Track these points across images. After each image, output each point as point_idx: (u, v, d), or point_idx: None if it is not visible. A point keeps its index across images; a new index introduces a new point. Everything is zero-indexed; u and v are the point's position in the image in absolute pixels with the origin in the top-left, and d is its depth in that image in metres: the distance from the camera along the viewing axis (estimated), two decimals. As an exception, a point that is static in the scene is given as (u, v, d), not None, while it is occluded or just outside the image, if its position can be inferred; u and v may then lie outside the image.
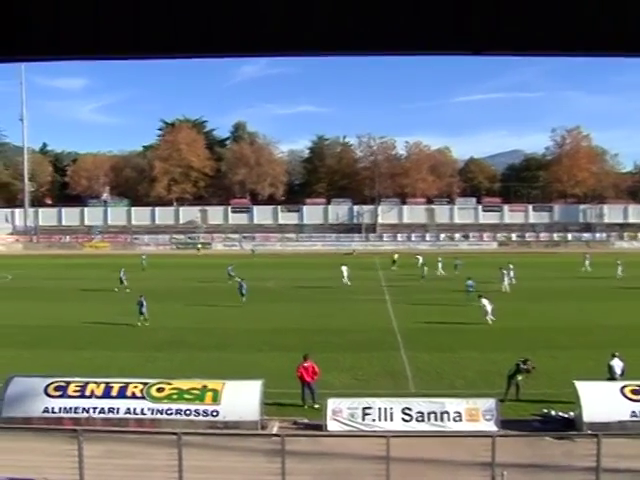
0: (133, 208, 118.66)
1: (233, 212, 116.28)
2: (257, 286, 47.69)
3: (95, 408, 18.00)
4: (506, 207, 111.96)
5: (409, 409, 18.44)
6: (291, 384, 21.74)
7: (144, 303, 36.11)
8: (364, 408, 18.44)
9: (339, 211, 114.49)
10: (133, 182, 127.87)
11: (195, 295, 46.25)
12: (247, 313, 38.39)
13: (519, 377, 21.24)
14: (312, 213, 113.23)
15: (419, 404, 18.62)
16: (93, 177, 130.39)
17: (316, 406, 20.39)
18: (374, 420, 18.43)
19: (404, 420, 18.34)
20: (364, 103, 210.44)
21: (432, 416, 18.43)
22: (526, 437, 17.69)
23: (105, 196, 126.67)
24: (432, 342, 30.61)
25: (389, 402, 18.63)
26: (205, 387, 18.52)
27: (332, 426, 18.46)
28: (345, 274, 53.23)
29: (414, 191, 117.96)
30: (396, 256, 66.99)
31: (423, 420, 18.37)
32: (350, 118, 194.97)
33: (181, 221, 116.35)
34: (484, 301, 35.67)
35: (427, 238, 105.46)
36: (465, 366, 26.14)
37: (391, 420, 18.41)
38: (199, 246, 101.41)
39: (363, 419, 18.43)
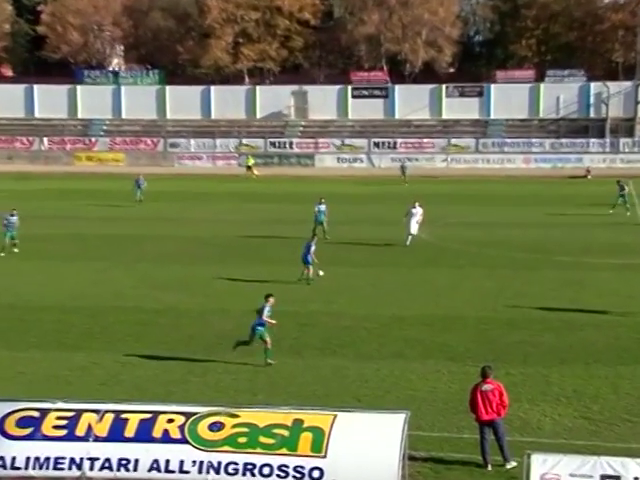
0: (168, 88, 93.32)
1: (355, 97, 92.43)
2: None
3: (95, 460, 13.98)
4: None
5: None
6: (461, 419, 18.24)
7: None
8: (606, 477, 13.27)
9: (560, 93, 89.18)
10: (168, 39, 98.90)
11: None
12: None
13: None
14: (505, 97, 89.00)
15: None
16: (90, 27, 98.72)
17: (509, 466, 16.17)
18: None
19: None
20: None
21: None
22: None
23: (116, 65, 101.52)
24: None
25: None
26: (299, 423, 14.05)
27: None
28: None
29: None
30: None
31: None
32: None
33: (258, 114, 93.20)
34: None
35: None
36: None
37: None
38: (250, 161, 79.41)
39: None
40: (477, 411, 16.30)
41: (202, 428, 13.95)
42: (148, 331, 25.79)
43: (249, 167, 78.27)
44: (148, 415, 14.28)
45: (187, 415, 14.22)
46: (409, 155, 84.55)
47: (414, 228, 39.74)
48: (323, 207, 42.18)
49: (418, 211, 39.91)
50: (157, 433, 13.94)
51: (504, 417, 16.40)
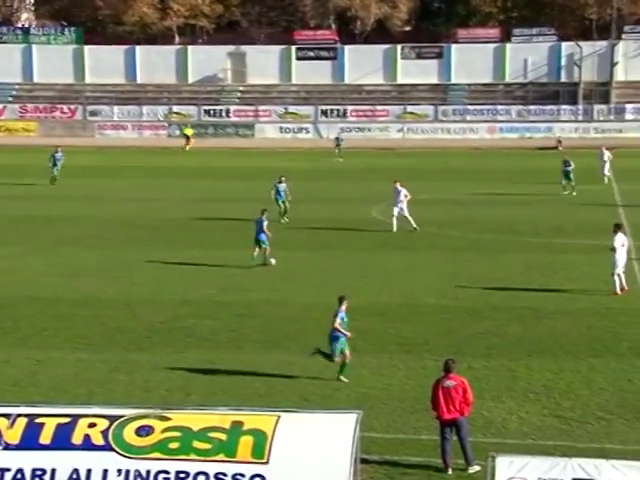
0: (87, 48, 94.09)
1: (300, 59, 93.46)
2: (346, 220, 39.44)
3: (5, 471, 14.15)
4: None
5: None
6: (419, 418, 18.83)
7: None
8: (577, 481, 13.91)
9: (528, 54, 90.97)
10: None
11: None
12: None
13: None
14: (467, 59, 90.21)
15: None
16: None
17: (471, 471, 16.77)
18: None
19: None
20: None
21: None
22: None
23: (25, 21, 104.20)
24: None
25: (630, 466, 13.87)
26: (238, 425, 14.34)
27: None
28: None
29: None
30: None
31: None
32: None
33: (190, 78, 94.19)
34: None
35: None
36: None
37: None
38: (188, 131, 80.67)
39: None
40: (438, 409, 16.73)
41: (128, 433, 14.17)
42: (67, 325, 25.89)
43: (187, 137, 78.54)
44: (67, 419, 14.43)
45: (111, 419, 14.42)
46: (361, 125, 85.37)
47: (403, 210, 40.34)
48: (283, 186, 42.39)
49: (401, 191, 40.42)
50: (77, 439, 14.14)
51: (467, 416, 16.80)
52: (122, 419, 14.53)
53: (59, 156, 56.71)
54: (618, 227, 29.42)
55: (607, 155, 55.04)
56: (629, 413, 18.90)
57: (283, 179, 42.86)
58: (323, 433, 14.77)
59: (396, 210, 40.19)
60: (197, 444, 14.11)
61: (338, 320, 21.32)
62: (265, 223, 32.78)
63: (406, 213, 40.13)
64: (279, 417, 14.64)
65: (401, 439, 17.98)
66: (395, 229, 39.57)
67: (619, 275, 28.74)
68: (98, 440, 14.18)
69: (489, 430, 18.24)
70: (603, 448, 17.10)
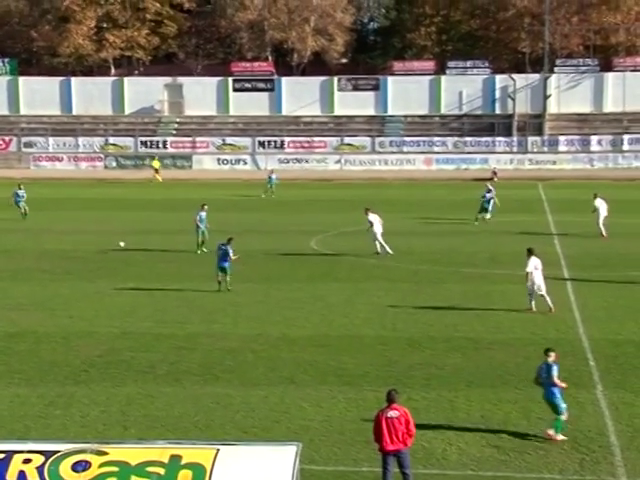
0: (22, 79, 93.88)
1: (237, 90, 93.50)
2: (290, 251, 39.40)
3: None
4: None
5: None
6: (359, 450, 18.64)
7: None
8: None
9: (463, 87, 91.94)
10: (19, 23, 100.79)
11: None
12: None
13: None
14: (403, 91, 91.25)
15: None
16: None
17: None
18: None
19: None
20: None
21: None
22: None
23: None
24: None
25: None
26: (177, 459, 13.98)
27: None
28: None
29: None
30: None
31: None
32: None
33: (127, 109, 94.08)
34: None
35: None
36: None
37: None
38: (156, 164, 79.79)
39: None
40: (382, 440, 16.51)
41: (65, 469, 13.87)
42: (2, 359, 25.41)
43: (156, 170, 77.97)
44: (1, 455, 14.03)
45: (47, 454, 14.13)
46: (298, 156, 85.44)
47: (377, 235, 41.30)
48: (204, 214, 42.23)
49: (375, 218, 41.34)
50: (11, 476, 13.77)
51: (410, 447, 16.69)
52: (58, 454, 14.19)
53: (22, 193, 54.45)
54: (531, 252, 30.21)
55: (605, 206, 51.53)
56: (566, 443, 18.87)
57: (205, 207, 42.67)
58: (263, 465, 14.55)
59: (378, 235, 41.12)
60: (135, 479, 13.78)
61: (556, 375, 19.00)
62: (231, 252, 32.96)
63: (379, 238, 41.06)
64: (218, 450, 14.41)
65: (342, 471, 17.79)
66: (391, 251, 40.46)
67: (543, 296, 29.65)
68: (34, 476, 13.80)
69: (429, 461, 18.13)
70: (542, 478, 17.14)
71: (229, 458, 14.41)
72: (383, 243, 41.11)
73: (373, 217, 41.61)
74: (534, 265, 29.89)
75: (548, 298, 29.98)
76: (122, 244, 39.51)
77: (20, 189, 54.81)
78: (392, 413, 16.61)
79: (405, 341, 27.06)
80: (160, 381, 23.12)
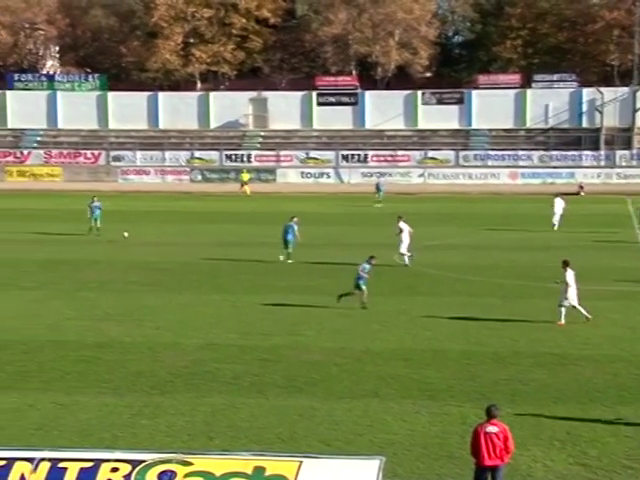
0: (111, 95, 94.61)
1: (321, 104, 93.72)
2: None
3: None
4: None
5: None
6: (442, 465, 18.55)
7: None
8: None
9: (549, 100, 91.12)
10: (109, 39, 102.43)
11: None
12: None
13: None
14: (488, 105, 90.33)
15: None
16: (20, 26, 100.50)
17: None
18: None
19: None
20: None
21: None
22: None
23: (50, 68, 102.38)
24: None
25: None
26: (261, 471, 13.75)
27: None
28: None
29: None
30: None
31: None
32: None
33: (213, 123, 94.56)
34: None
35: None
36: None
37: None
38: (245, 176, 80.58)
39: None
40: (479, 455, 16.34)
41: (151, 478, 13.79)
42: (91, 369, 25.71)
43: (245, 182, 78.51)
44: (89, 464, 14.08)
45: (134, 463, 14.08)
46: (382, 169, 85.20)
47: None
48: (295, 227, 42.80)
49: (405, 227, 41.91)
50: (101, 484, 13.79)
51: (506, 463, 16.41)
52: (144, 464, 14.17)
53: (97, 205, 53.45)
54: (566, 263, 30.39)
55: (562, 205, 54.90)
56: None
57: (295, 220, 42.94)
58: (346, 479, 14.59)
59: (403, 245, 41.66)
60: (220, 490, 13.80)
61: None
62: (368, 267, 32.91)
63: (403, 248, 41.58)
64: (301, 462, 14.29)
65: (425, 486, 17.68)
66: (409, 263, 40.94)
67: (575, 307, 29.87)
68: (121, 485, 13.97)
69: (514, 478, 17.77)
70: (630, 497, 16.83)
71: (312, 471, 14.33)
72: (405, 253, 41.37)
73: (404, 226, 42.03)
74: (572, 276, 30.00)
75: (582, 309, 29.94)
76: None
77: (94, 202, 53.41)
78: (491, 428, 16.38)
79: (490, 356, 26.75)
80: (244, 392, 23.19)
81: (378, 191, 70.58)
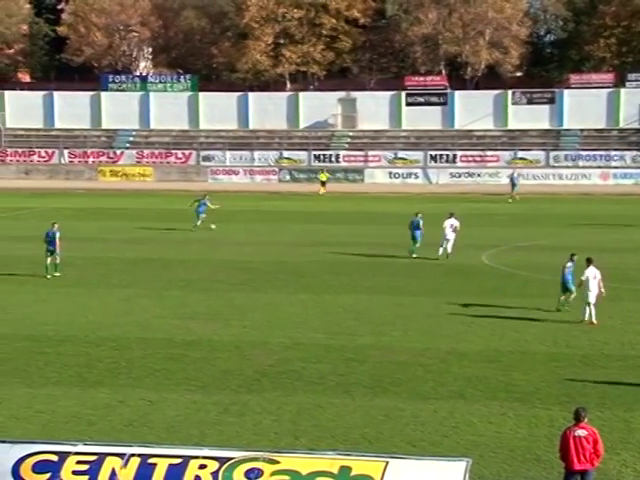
0: (202, 95, 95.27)
1: (409, 104, 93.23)
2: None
3: None
4: None
5: None
6: (529, 468, 18.26)
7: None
8: None
9: None
10: (201, 40, 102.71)
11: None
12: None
13: None
14: (580, 104, 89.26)
15: None
16: (115, 28, 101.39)
17: None
18: None
19: None
20: None
21: None
22: None
23: (143, 69, 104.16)
24: None
25: None
26: (347, 470, 13.88)
27: None
28: None
29: None
30: None
31: None
32: None
33: (301, 123, 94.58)
34: None
35: None
36: None
37: None
38: (323, 176, 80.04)
39: None
40: (568, 459, 16.14)
41: (238, 475, 13.99)
42: (179, 366, 26.04)
43: (323, 183, 78.87)
44: (178, 460, 14.36)
45: (221, 460, 14.30)
46: (470, 170, 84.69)
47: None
48: (421, 222, 44.14)
49: (448, 223, 43.09)
50: (189, 480, 14.01)
51: (596, 468, 16.21)
52: (232, 461, 14.33)
53: (204, 202, 54.61)
54: (589, 261, 30.63)
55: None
56: None
57: (420, 215, 44.16)
58: (432, 480, 14.51)
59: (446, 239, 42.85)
60: (306, 488, 13.85)
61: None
62: (572, 268, 32.42)
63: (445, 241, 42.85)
64: (387, 463, 14.27)
65: (511, 489, 17.54)
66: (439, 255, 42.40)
67: (589, 304, 30.02)
68: (208, 481, 14.13)
69: (603, 483, 17.67)
70: None
71: (398, 471, 14.27)
72: (446, 246, 42.73)
73: (453, 221, 43.17)
74: (593, 274, 30.13)
75: (594, 310, 29.97)
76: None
77: (204, 198, 54.81)
78: (580, 432, 16.11)
79: (578, 358, 26.42)
80: (330, 392, 23.27)
81: (513, 186, 71.06)
